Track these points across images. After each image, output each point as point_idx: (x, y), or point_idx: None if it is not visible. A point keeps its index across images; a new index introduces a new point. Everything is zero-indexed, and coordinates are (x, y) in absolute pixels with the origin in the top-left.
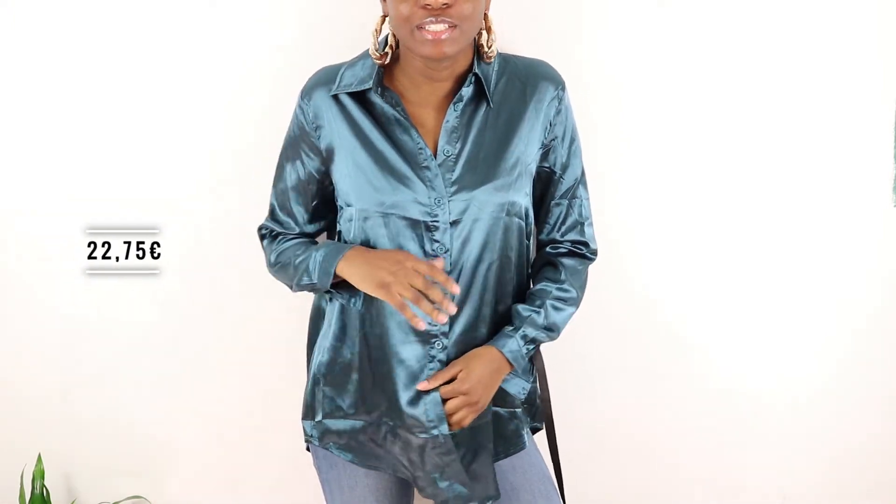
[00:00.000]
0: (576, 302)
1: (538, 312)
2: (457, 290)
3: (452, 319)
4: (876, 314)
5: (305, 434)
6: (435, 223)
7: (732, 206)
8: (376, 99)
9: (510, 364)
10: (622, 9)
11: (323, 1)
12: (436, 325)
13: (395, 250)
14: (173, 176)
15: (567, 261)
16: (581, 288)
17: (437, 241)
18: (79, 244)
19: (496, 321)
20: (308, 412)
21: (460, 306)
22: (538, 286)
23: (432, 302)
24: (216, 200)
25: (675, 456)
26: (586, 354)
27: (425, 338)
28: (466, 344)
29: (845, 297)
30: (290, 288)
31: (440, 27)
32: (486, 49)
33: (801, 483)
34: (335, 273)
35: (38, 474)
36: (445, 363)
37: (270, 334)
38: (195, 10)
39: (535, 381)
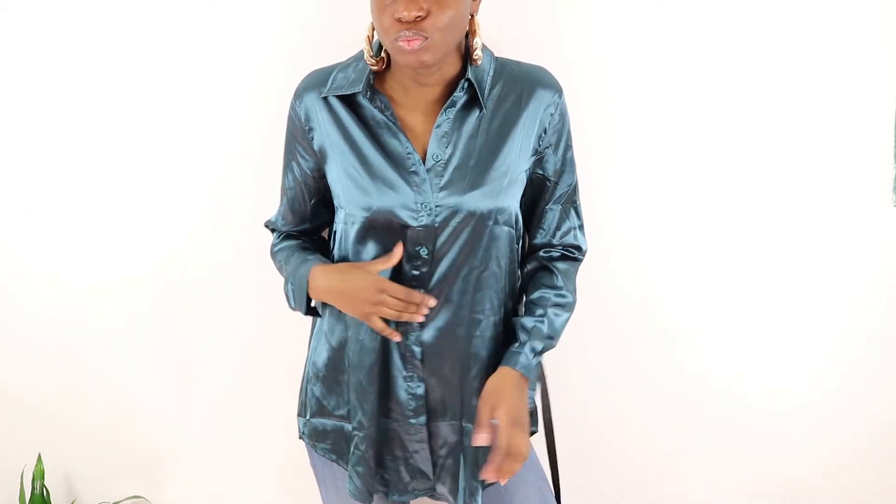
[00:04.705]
0: (572, 307)
1: (542, 322)
2: (432, 302)
3: (429, 315)
4: (876, 315)
5: (299, 430)
6: (420, 227)
7: (731, 207)
8: (365, 102)
9: (525, 379)
10: (620, 8)
11: (324, 0)
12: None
13: (364, 274)
14: (170, 176)
15: (561, 265)
16: (575, 292)
17: (419, 244)
18: (78, 245)
19: (474, 324)
20: (301, 409)
21: (439, 305)
22: (536, 294)
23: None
24: (215, 201)
25: (674, 458)
26: (583, 358)
27: (402, 330)
28: (440, 341)
29: (845, 297)
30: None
31: (415, 39)
32: (472, 51)
33: (801, 485)
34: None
35: (38, 474)
36: (421, 357)
37: (270, 334)
38: (195, 10)
39: (533, 388)
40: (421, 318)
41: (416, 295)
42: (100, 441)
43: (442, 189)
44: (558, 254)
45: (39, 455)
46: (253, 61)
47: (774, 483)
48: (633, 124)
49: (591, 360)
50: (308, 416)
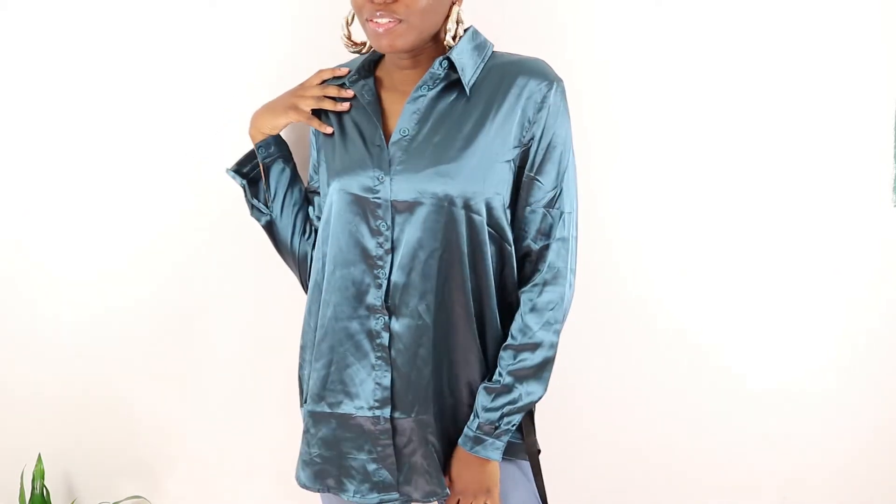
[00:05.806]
0: (549, 345)
1: (499, 394)
2: (349, 93)
3: (394, 299)
4: (876, 315)
5: (304, 422)
6: (377, 200)
7: (731, 207)
8: (353, 83)
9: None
10: (620, 8)
11: (324, 0)
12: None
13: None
14: (171, 177)
15: (531, 317)
16: (552, 323)
17: (379, 219)
18: (77, 244)
19: (445, 310)
20: (302, 398)
21: (402, 289)
22: (502, 352)
23: (335, 99)
24: (215, 199)
25: (674, 457)
26: (583, 357)
27: (370, 312)
28: (408, 326)
29: (845, 297)
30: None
31: (385, 21)
32: (444, 37)
33: (801, 484)
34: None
35: (38, 474)
36: (388, 344)
37: (271, 334)
38: (195, 10)
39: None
40: (342, 105)
41: (327, 73)
42: (100, 441)
43: (400, 163)
44: (530, 306)
45: (39, 455)
46: (253, 61)
47: (774, 483)
48: (633, 124)
49: (590, 359)
50: (305, 402)
